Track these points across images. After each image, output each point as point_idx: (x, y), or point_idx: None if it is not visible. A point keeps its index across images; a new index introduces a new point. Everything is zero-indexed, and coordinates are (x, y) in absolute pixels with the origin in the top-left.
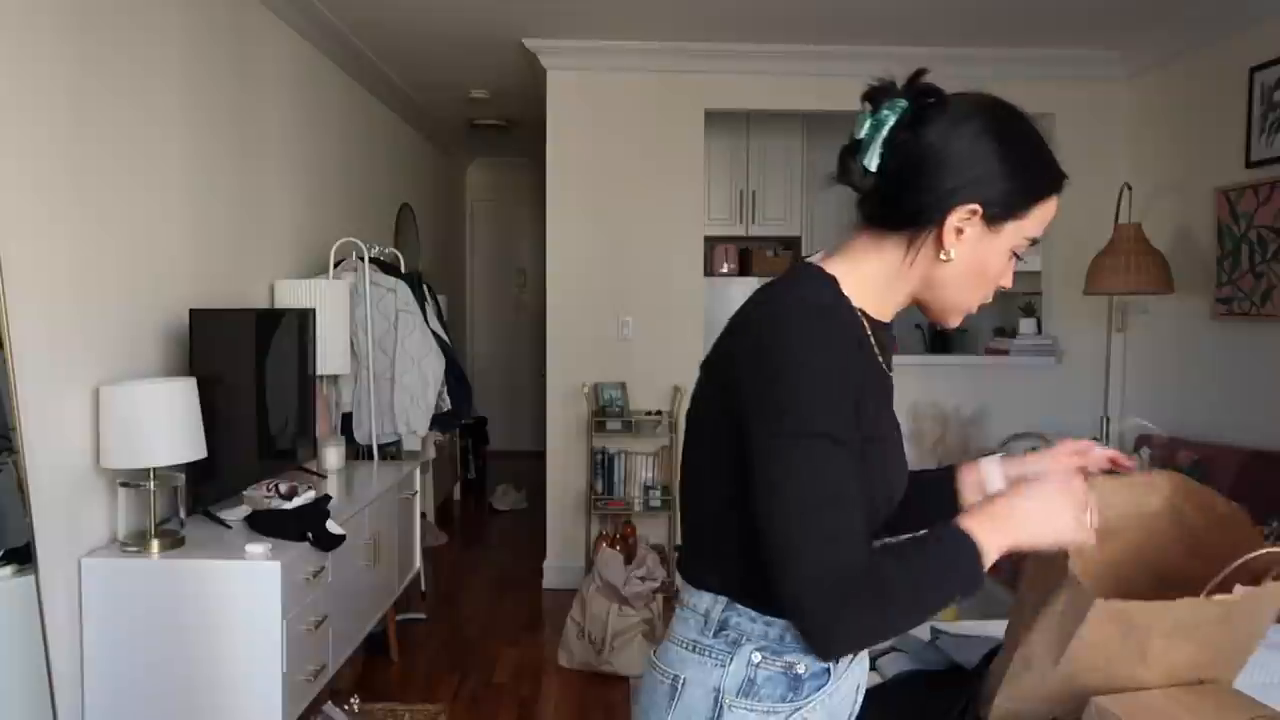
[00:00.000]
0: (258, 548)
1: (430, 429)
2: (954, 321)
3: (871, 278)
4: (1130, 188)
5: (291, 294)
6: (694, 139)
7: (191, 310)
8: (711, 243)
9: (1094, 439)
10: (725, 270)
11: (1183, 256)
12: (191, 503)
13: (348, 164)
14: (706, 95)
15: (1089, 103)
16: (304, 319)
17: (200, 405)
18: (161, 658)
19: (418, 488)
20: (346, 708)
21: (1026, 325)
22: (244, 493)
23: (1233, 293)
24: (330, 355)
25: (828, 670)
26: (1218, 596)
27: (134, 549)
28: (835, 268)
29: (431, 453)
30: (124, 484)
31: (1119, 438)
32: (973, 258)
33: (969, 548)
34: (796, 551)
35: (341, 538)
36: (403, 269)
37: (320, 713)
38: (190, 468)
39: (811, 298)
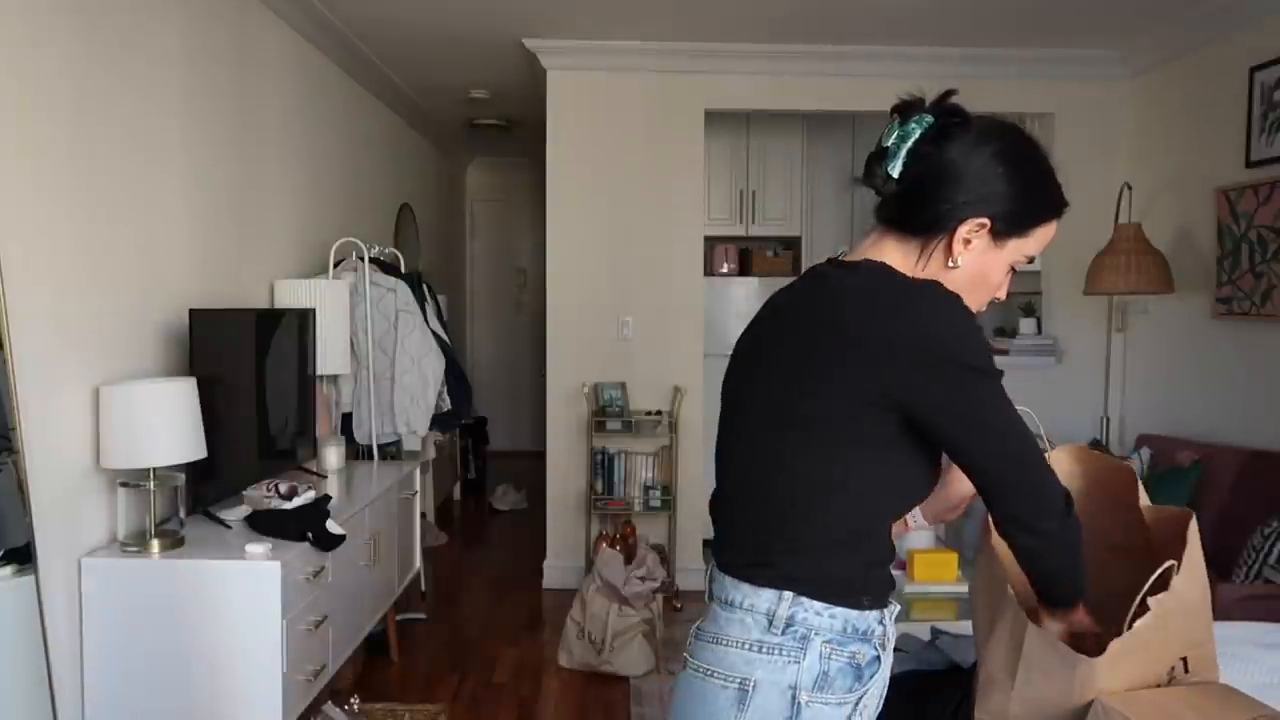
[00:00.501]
0: (258, 548)
1: (430, 429)
2: None
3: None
4: (1130, 188)
5: (291, 294)
6: (694, 139)
7: (191, 310)
8: (711, 243)
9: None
10: (725, 270)
11: (1183, 256)
12: (191, 503)
13: (348, 164)
14: (706, 95)
15: (1089, 103)
16: (304, 319)
17: (200, 405)
18: (161, 658)
19: (418, 488)
20: (346, 708)
21: (1026, 325)
22: (244, 493)
23: (1233, 293)
24: (330, 355)
25: (878, 658)
26: (1138, 624)
27: (134, 549)
28: (896, 266)
29: (431, 453)
30: (124, 484)
31: (1118, 439)
32: (976, 268)
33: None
34: (1042, 472)
35: (341, 538)
36: (403, 269)
37: (320, 713)
38: (190, 468)
39: (924, 279)
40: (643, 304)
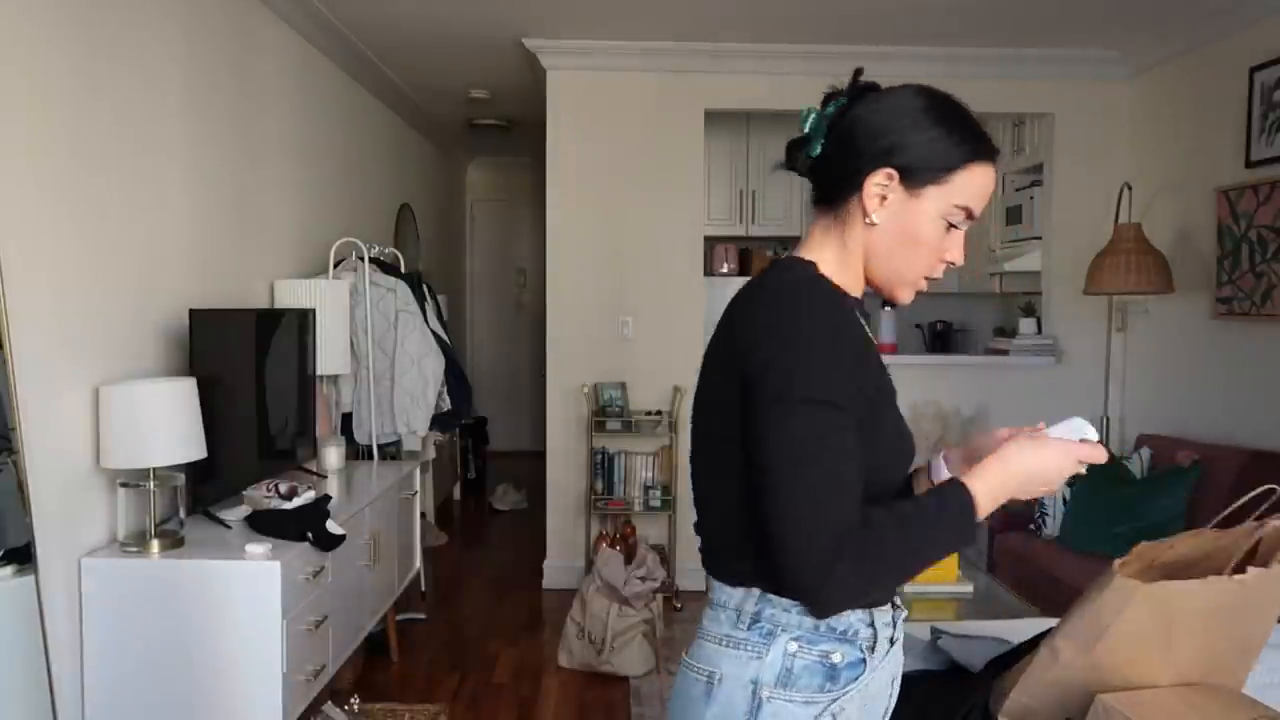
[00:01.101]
0: (258, 548)
1: (430, 429)
2: (902, 296)
3: (831, 260)
4: (1130, 188)
5: (291, 294)
6: (694, 139)
7: (191, 310)
8: (711, 243)
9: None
10: (725, 270)
11: (1183, 256)
12: (191, 503)
13: (348, 164)
14: (706, 95)
15: (1089, 103)
16: (304, 319)
17: (200, 405)
18: (161, 658)
19: (418, 488)
20: (346, 708)
21: (1026, 325)
22: (244, 493)
23: (1233, 293)
24: (330, 355)
25: (863, 660)
26: (1237, 576)
27: (134, 549)
28: (809, 255)
29: (431, 453)
30: (124, 484)
31: (1118, 439)
32: (900, 224)
33: (963, 500)
34: (793, 509)
35: (341, 538)
36: (403, 269)
37: (320, 713)
38: (190, 468)
39: (802, 275)
40: (643, 304)
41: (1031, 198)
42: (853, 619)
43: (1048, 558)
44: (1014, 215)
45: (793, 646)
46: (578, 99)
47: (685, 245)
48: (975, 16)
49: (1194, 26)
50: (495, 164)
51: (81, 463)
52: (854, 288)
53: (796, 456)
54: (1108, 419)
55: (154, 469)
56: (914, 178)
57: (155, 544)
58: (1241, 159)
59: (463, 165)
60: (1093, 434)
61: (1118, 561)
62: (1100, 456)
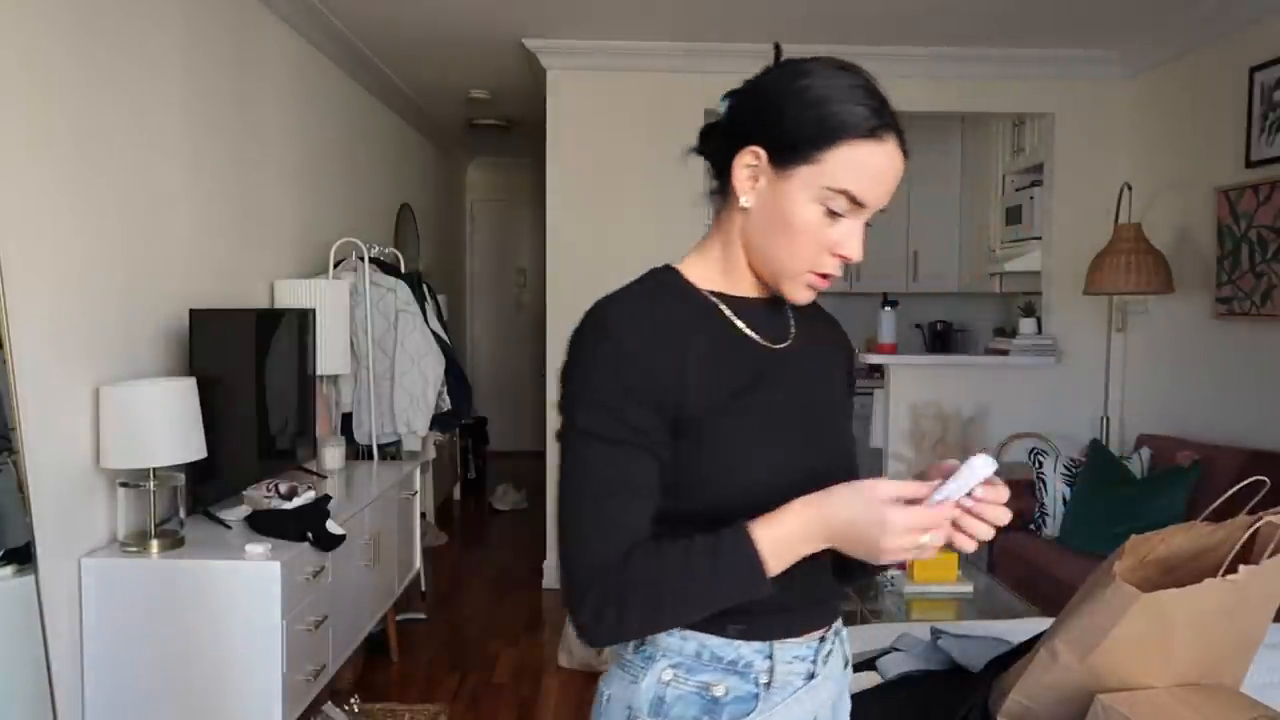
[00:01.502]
0: (258, 548)
1: (430, 429)
2: (790, 292)
3: (716, 256)
4: (1130, 188)
5: (291, 294)
6: (694, 139)
7: (191, 310)
8: None
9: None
10: None
11: (1183, 256)
12: (191, 503)
13: (348, 164)
14: (706, 95)
15: (1089, 103)
16: (304, 319)
17: (200, 405)
18: (161, 658)
19: (418, 488)
20: (346, 708)
21: (1026, 325)
22: (244, 493)
23: (1233, 292)
24: (330, 355)
25: (756, 696)
26: (1230, 577)
27: (134, 549)
28: (688, 256)
29: (431, 453)
30: (124, 484)
31: (1118, 439)
32: (772, 208)
33: (746, 552)
34: (562, 542)
35: (341, 538)
36: (403, 269)
37: (320, 713)
38: (190, 468)
39: (617, 295)
40: None
41: (1031, 198)
42: (745, 649)
43: (1048, 558)
44: (1014, 215)
45: (668, 674)
46: (578, 99)
47: (686, 245)
48: (975, 17)
49: (1194, 26)
50: (495, 164)
51: (81, 463)
52: (739, 284)
53: (564, 490)
54: (1107, 419)
55: (154, 469)
56: (782, 156)
57: (155, 544)
58: (1241, 159)
59: (463, 165)
60: (990, 469)
61: (1116, 565)
62: (941, 539)
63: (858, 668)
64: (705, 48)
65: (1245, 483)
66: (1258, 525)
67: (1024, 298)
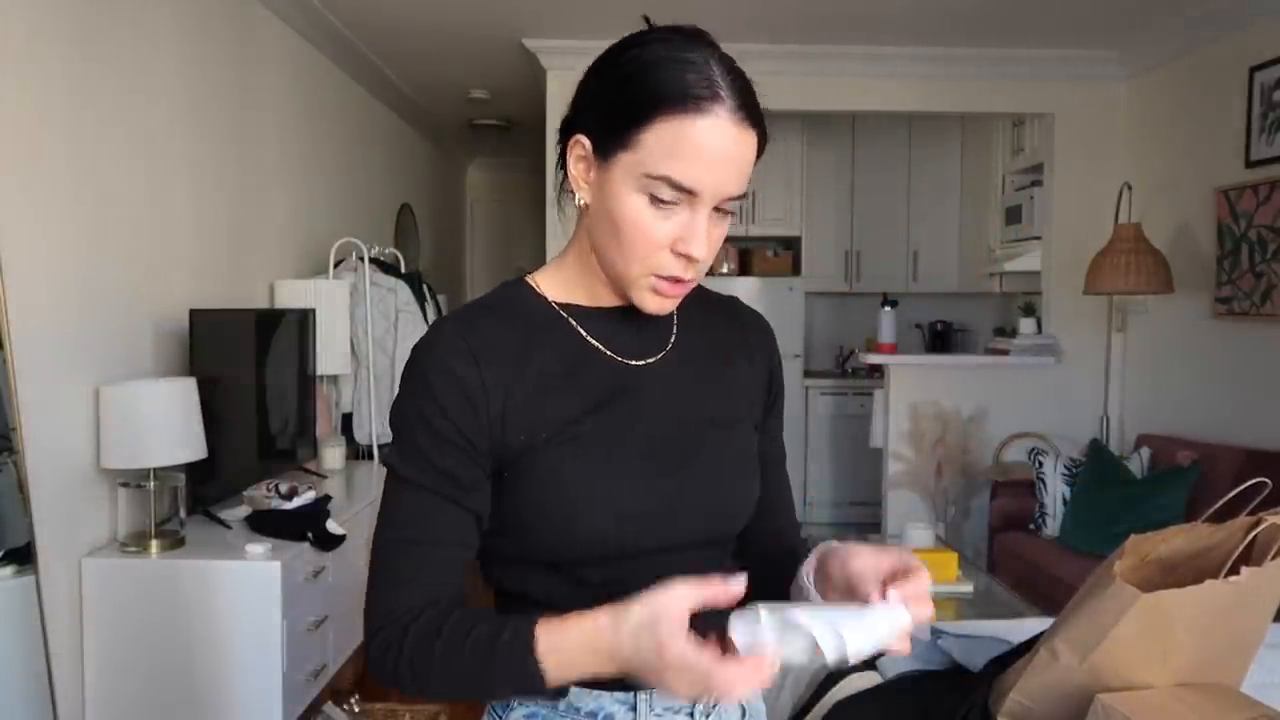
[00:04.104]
0: (258, 548)
1: None
2: (637, 298)
3: (571, 263)
4: (1130, 188)
5: (291, 294)
6: None
7: (191, 310)
8: None
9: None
10: (725, 270)
11: (1183, 256)
12: (191, 503)
13: (348, 164)
14: None
15: (1088, 103)
16: (304, 319)
17: (200, 405)
18: (161, 658)
19: None
20: (346, 708)
21: (1026, 325)
22: (244, 493)
23: (1233, 292)
24: (330, 355)
25: None
26: (1231, 578)
27: (134, 549)
28: (546, 266)
29: None
30: (124, 484)
31: (1118, 439)
32: (602, 205)
33: (521, 657)
34: (375, 590)
35: (342, 538)
36: (403, 269)
37: (320, 713)
38: (190, 468)
39: (454, 316)
40: None
41: (1031, 198)
42: (606, 699)
43: (1048, 557)
44: (1014, 215)
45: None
46: None
47: None
48: (975, 17)
49: (1193, 26)
50: (495, 164)
51: (82, 463)
52: (599, 294)
53: (374, 533)
54: (1107, 419)
55: (154, 469)
56: (602, 142)
57: (155, 544)
58: (1241, 159)
59: (463, 165)
60: (899, 628)
61: (1117, 565)
62: (734, 695)
63: (858, 668)
64: None
65: (1247, 484)
66: (1260, 528)
67: (1024, 298)
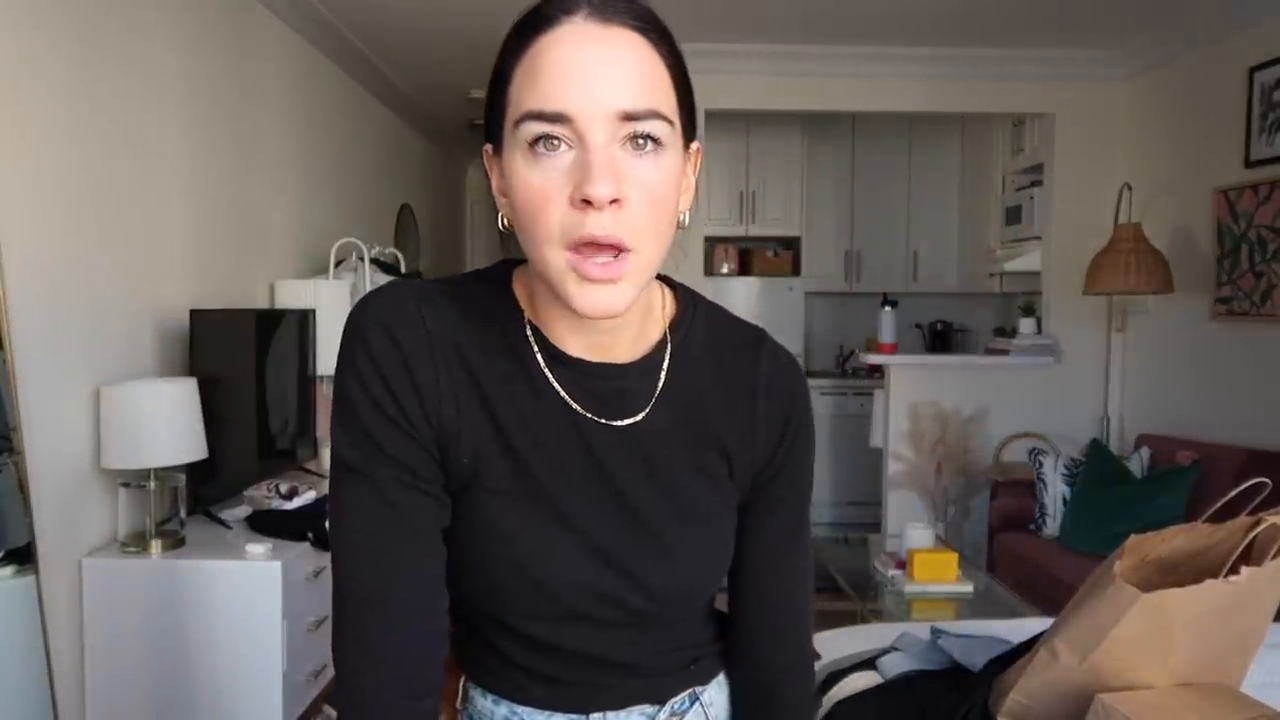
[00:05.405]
0: (258, 548)
1: None
2: (567, 297)
3: (539, 292)
4: (1130, 188)
5: (291, 294)
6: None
7: (191, 310)
8: (711, 243)
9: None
10: (725, 270)
11: (1183, 256)
12: (192, 503)
13: (347, 164)
14: (706, 95)
15: (1088, 103)
16: (304, 319)
17: (200, 405)
18: (161, 658)
19: None
20: None
21: (1026, 325)
22: (244, 493)
23: (1233, 292)
24: (330, 355)
25: None
26: (1231, 578)
27: (134, 549)
28: (529, 268)
29: None
30: (124, 484)
31: (1118, 439)
32: (508, 191)
33: None
34: (337, 594)
35: None
36: (403, 269)
37: (320, 713)
38: (190, 468)
39: (428, 291)
40: None
41: (1031, 198)
42: (497, 708)
43: (1048, 557)
44: (1014, 215)
45: None
46: None
47: (685, 245)
48: (974, 17)
49: (1193, 26)
50: None
51: (82, 463)
52: (559, 332)
53: (337, 529)
54: (1107, 419)
55: (154, 469)
56: (494, 135)
57: (156, 544)
58: (1241, 159)
59: (463, 165)
60: None
61: (1117, 565)
62: None
63: (858, 668)
64: (705, 48)
65: (1247, 484)
66: (1260, 528)
67: (1024, 298)
